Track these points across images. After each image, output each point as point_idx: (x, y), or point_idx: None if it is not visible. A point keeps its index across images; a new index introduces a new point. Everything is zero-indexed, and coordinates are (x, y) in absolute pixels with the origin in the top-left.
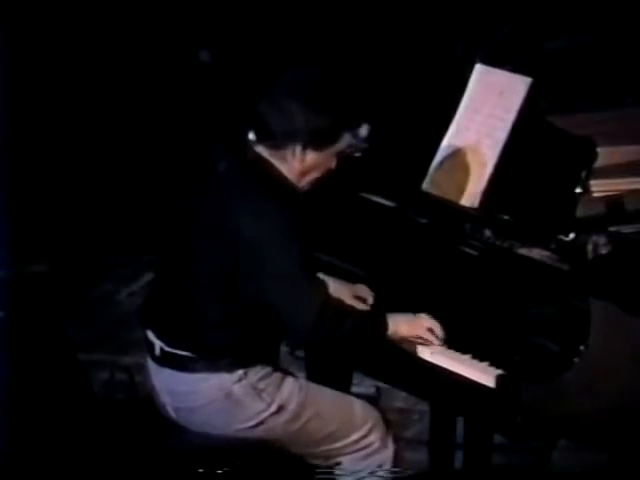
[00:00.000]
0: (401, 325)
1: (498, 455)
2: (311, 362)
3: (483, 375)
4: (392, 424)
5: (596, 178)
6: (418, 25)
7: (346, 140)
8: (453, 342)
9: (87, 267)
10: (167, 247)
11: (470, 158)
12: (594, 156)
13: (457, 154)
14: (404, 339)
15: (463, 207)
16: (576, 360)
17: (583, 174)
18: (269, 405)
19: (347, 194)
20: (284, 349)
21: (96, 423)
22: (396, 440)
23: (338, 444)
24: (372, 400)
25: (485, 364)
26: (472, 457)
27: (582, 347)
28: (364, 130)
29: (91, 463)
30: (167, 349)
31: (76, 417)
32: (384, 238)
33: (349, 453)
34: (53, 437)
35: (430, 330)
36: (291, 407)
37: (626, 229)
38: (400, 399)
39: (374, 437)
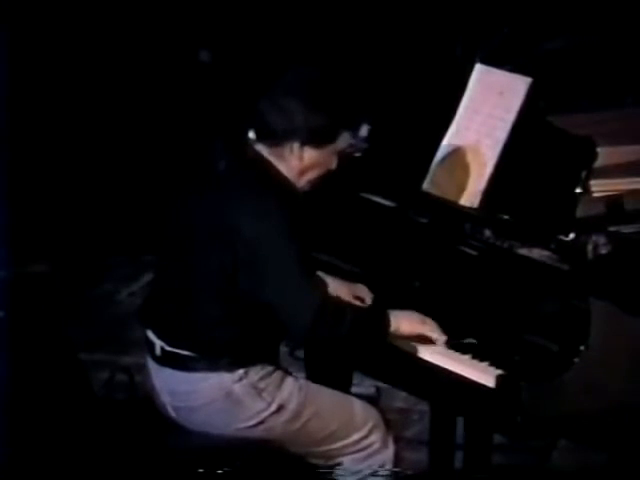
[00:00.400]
0: (402, 322)
1: (498, 455)
2: (311, 362)
3: (483, 375)
4: (392, 424)
5: (596, 178)
6: (418, 25)
7: (345, 139)
8: (453, 342)
9: (87, 267)
10: (167, 247)
11: (470, 158)
12: (594, 156)
13: (457, 154)
14: (405, 337)
15: (463, 207)
16: (576, 360)
17: (583, 174)
18: (269, 404)
19: (347, 194)
20: (284, 349)
21: (96, 423)
22: (396, 440)
23: (338, 444)
24: (372, 400)
25: (485, 364)
26: (472, 457)
27: (582, 347)
28: (364, 130)
29: (91, 463)
30: (168, 348)
31: (76, 417)
32: (384, 238)
33: (350, 453)
34: (53, 437)
35: (430, 330)
36: (291, 407)
37: (626, 229)
38: (400, 399)
39: (375, 437)
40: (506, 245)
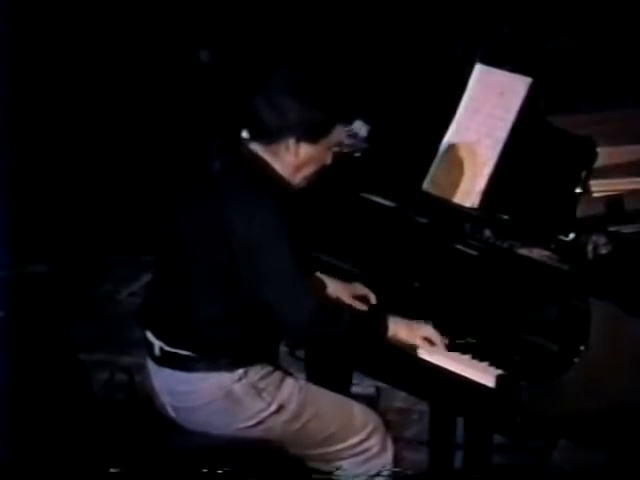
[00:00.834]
0: (401, 328)
1: (498, 455)
2: (311, 362)
3: (483, 375)
4: (392, 424)
5: (596, 178)
6: (418, 25)
7: (339, 132)
8: (453, 342)
9: (87, 267)
10: (165, 248)
11: (470, 158)
12: (594, 156)
13: (457, 154)
14: (402, 342)
15: (463, 207)
16: (576, 360)
17: (583, 174)
18: (269, 405)
19: (347, 194)
20: (284, 349)
21: (96, 423)
22: (396, 440)
23: (338, 446)
24: (372, 400)
25: (485, 364)
26: (472, 457)
27: (582, 347)
28: (364, 130)
29: (91, 463)
30: (167, 349)
31: (76, 417)
32: (384, 238)
33: (349, 457)
34: (53, 437)
35: (428, 340)
36: (291, 407)
37: (626, 229)
38: (400, 399)
39: (374, 441)
40: (506, 245)
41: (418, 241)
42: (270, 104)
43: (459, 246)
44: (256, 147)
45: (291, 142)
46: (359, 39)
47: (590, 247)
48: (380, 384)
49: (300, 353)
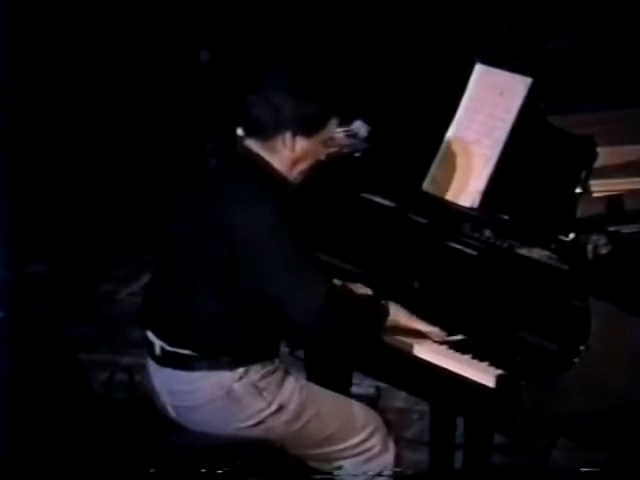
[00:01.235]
0: (400, 313)
1: (498, 455)
2: (311, 362)
3: (483, 375)
4: (392, 424)
5: (596, 178)
6: (418, 25)
7: (333, 126)
8: (453, 342)
9: (87, 267)
10: (163, 247)
11: (470, 158)
12: (594, 156)
13: (457, 154)
14: (402, 329)
15: (463, 207)
16: (576, 360)
17: (583, 174)
18: (270, 404)
19: (347, 194)
20: (284, 349)
21: (96, 423)
22: (396, 440)
23: (339, 446)
24: (372, 400)
25: (485, 364)
26: (472, 457)
27: (582, 347)
28: (364, 130)
29: (91, 463)
30: (168, 348)
31: (76, 417)
32: (384, 238)
33: (350, 457)
34: (53, 437)
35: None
36: (291, 407)
37: (626, 229)
38: (400, 399)
39: (375, 441)
40: (506, 245)
41: (418, 241)
42: (264, 101)
43: (459, 246)
44: (252, 144)
45: (287, 137)
46: (359, 39)
47: (590, 247)
48: (380, 384)
49: (300, 353)
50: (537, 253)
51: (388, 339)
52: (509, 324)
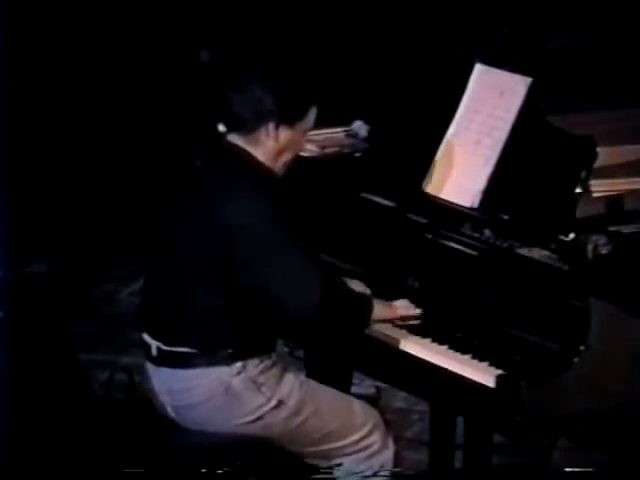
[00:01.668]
0: (380, 306)
1: (498, 455)
2: (311, 362)
3: (483, 375)
4: (392, 424)
5: (596, 178)
6: (418, 25)
7: (313, 115)
8: (453, 342)
9: (87, 267)
10: (157, 248)
11: (470, 158)
12: (594, 156)
13: (457, 154)
14: (385, 319)
15: (463, 207)
16: (576, 360)
17: (583, 174)
18: (269, 400)
19: (347, 194)
20: (284, 349)
21: (96, 423)
22: (396, 440)
23: (338, 444)
24: (372, 400)
25: (485, 364)
26: (472, 457)
27: (582, 347)
28: (364, 130)
29: (91, 463)
30: (164, 348)
31: (76, 417)
32: (384, 238)
33: (350, 454)
34: (53, 437)
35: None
36: (291, 403)
37: (626, 229)
38: (400, 399)
39: (375, 438)
40: (506, 245)
41: (418, 241)
42: (244, 95)
43: (459, 246)
44: (235, 138)
45: (270, 128)
46: (359, 39)
47: (590, 247)
48: (380, 384)
49: (300, 353)
50: (537, 253)
51: (388, 339)
52: (509, 324)
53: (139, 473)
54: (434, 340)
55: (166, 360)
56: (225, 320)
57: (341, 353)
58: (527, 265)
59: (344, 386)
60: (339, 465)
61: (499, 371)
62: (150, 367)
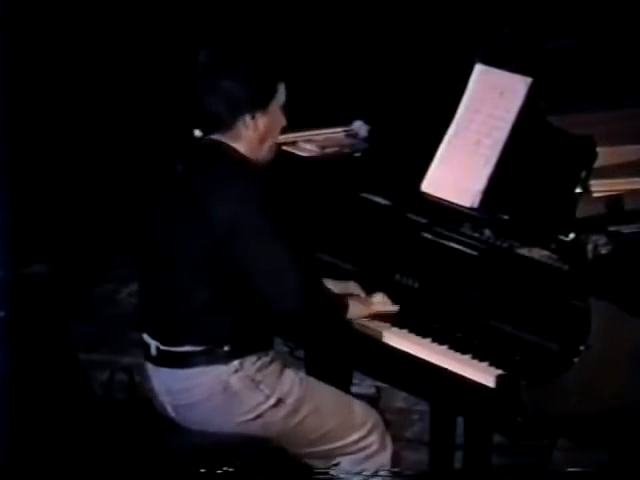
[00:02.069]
0: (356, 303)
1: (498, 455)
2: (311, 362)
3: (483, 375)
4: (392, 424)
5: (596, 178)
6: (418, 25)
7: (282, 89)
8: (453, 342)
9: (87, 267)
10: (147, 250)
11: (470, 158)
12: (594, 156)
13: (457, 154)
14: (363, 315)
15: (463, 207)
16: (576, 360)
17: (583, 174)
18: (268, 397)
19: (347, 194)
20: (284, 349)
21: (96, 423)
22: (396, 440)
23: (337, 444)
24: (372, 400)
25: (485, 364)
26: (472, 457)
27: (582, 347)
28: (364, 130)
29: (91, 463)
30: (163, 347)
31: (76, 417)
32: (384, 238)
33: (348, 454)
34: (53, 437)
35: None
36: (290, 401)
37: (626, 229)
38: (400, 399)
39: (373, 438)
40: (506, 245)
41: (418, 241)
42: (214, 95)
43: (459, 246)
44: (217, 137)
45: (247, 119)
46: (359, 39)
47: (590, 247)
48: (380, 384)
49: (300, 353)
50: (537, 253)
51: (388, 339)
52: (509, 324)
53: (140, 473)
54: (434, 340)
55: (165, 360)
56: (220, 315)
57: (341, 353)
58: (527, 265)
59: (344, 386)
60: (337, 464)
61: (499, 371)
62: (150, 367)
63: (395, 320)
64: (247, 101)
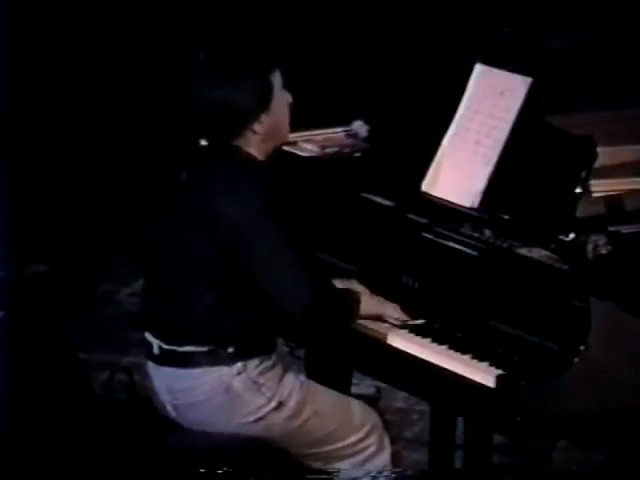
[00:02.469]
0: (367, 299)
1: (498, 455)
2: (311, 362)
3: (483, 375)
4: (392, 424)
5: (596, 178)
6: (419, 25)
7: (278, 75)
8: (453, 342)
9: (87, 267)
10: (151, 248)
11: (470, 158)
12: (594, 156)
13: (457, 154)
14: (371, 316)
15: (463, 207)
16: (576, 360)
17: (583, 174)
18: (269, 400)
19: (347, 194)
20: (284, 349)
21: (96, 423)
22: (396, 440)
23: (337, 445)
24: (372, 400)
25: (485, 364)
26: (472, 457)
27: (582, 347)
28: (364, 130)
29: (91, 463)
30: (166, 347)
31: (76, 417)
32: (384, 238)
33: (348, 456)
34: (53, 437)
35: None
36: (291, 404)
37: (626, 229)
38: (400, 399)
39: (372, 440)
40: (506, 245)
41: (418, 241)
42: (221, 108)
43: (459, 246)
44: (224, 142)
45: (255, 126)
46: (359, 39)
47: (590, 247)
48: (380, 384)
49: (300, 353)
50: (537, 253)
51: (388, 339)
52: (509, 324)
53: (140, 473)
54: (434, 340)
55: (168, 359)
56: (225, 318)
57: (341, 353)
58: (527, 265)
59: (344, 386)
60: (338, 471)
61: (499, 371)
62: (151, 366)
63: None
64: (253, 110)
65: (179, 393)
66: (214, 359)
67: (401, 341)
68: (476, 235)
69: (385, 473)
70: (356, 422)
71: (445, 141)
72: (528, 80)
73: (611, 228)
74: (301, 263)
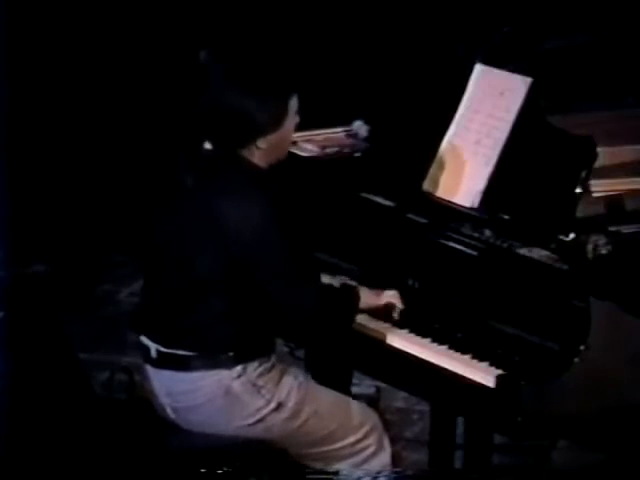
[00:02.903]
0: (366, 294)
1: (498, 455)
2: (311, 362)
3: (483, 375)
4: (392, 424)
5: (596, 178)
6: (418, 25)
7: (295, 101)
8: (453, 342)
9: (87, 267)
10: (153, 252)
11: (470, 158)
12: (594, 156)
13: (457, 154)
14: (371, 308)
15: (463, 207)
16: (576, 360)
17: (583, 174)
18: (269, 402)
19: (347, 194)
20: (284, 349)
21: (96, 423)
22: (396, 440)
23: (337, 445)
24: (372, 400)
25: (485, 364)
26: (472, 457)
27: (582, 347)
28: (364, 130)
29: (91, 463)
30: (164, 350)
31: (76, 417)
32: (384, 238)
33: (347, 456)
34: (53, 437)
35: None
36: (290, 404)
37: (626, 229)
38: (400, 399)
39: (371, 440)
40: (506, 245)
41: (418, 241)
42: (233, 118)
43: (459, 246)
44: (229, 149)
45: (261, 141)
46: (359, 39)
47: (590, 247)
48: (380, 384)
49: (300, 353)
50: (537, 253)
51: (388, 339)
52: (509, 324)
53: (140, 473)
54: (434, 340)
55: (167, 362)
56: (227, 322)
57: (341, 353)
58: (527, 265)
59: (344, 386)
60: (338, 471)
61: (499, 371)
62: (149, 369)
63: (396, 320)
64: (265, 127)
65: (179, 396)
66: (214, 363)
67: (401, 341)
68: (476, 235)
69: (385, 473)
70: (355, 422)
71: (445, 141)
72: (528, 80)
73: (611, 228)
74: (303, 265)
